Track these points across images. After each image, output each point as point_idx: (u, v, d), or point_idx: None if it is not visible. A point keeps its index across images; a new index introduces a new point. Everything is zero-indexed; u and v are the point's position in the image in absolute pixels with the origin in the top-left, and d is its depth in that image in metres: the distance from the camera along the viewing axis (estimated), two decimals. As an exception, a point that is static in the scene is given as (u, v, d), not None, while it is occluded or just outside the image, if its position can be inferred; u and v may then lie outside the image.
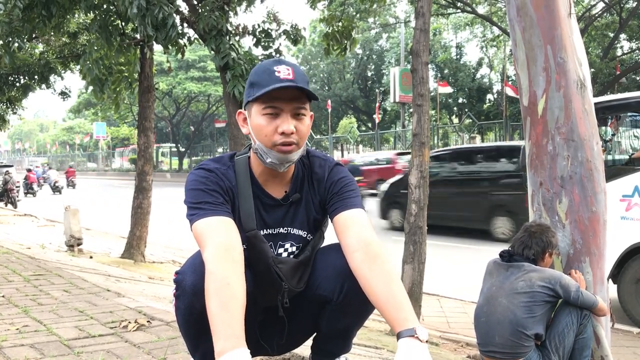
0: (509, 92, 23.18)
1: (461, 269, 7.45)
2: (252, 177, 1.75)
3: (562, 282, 2.60)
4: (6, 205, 18.51)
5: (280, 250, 1.80)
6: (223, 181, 1.69)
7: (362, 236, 1.62)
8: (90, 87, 8.26)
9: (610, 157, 6.06)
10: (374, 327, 4.60)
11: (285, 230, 1.79)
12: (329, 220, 1.81)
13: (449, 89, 30.09)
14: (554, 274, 2.64)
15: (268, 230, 1.77)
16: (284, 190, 1.78)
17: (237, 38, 6.83)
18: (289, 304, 1.81)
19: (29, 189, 24.49)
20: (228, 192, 1.69)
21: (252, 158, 1.76)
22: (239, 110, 1.76)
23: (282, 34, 7.36)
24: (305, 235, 1.81)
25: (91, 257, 7.50)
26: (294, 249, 1.81)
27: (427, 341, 1.39)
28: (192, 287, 1.60)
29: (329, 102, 34.68)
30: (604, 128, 5.93)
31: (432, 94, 25.08)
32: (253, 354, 1.95)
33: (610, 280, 4.94)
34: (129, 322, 2.95)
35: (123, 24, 7.72)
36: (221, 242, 1.52)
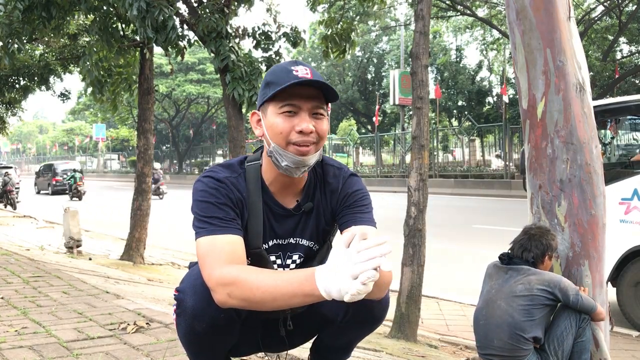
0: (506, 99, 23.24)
1: (460, 272, 7.44)
2: (264, 186, 1.68)
3: (561, 286, 2.60)
4: (5, 207, 18.48)
5: (289, 261, 1.76)
6: (233, 192, 1.61)
7: None
8: (90, 89, 8.28)
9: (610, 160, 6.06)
10: (373, 329, 4.60)
11: (294, 240, 1.74)
12: (338, 231, 1.75)
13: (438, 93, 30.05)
14: (553, 277, 2.64)
15: (278, 240, 1.72)
16: (296, 199, 1.71)
17: (236, 40, 6.84)
18: (292, 327, 1.78)
19: None
20: (238, 204, 1.62)
21: (264, 166, 1.69)
22: (253, 111, 1.67)
23: (282, 36, 7.37)
24: (311, 246, 1.76)
25: (90, 259, 7.50)
26: (301, 260, 1.77)
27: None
28: (192, 310, 1.57)
29: (329, 104, 34.62)
30: (603, 131, 5.94)
31: (431, 97, 25.09)
32: (251, 352, 1.95)
33: (609, 283, 4.94)
34: (128, 324, 2.95)
35: (123, 25, 7.73)
36: (228, 263, 1.49)
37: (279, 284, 1.36)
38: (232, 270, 1.45)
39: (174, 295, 1.65)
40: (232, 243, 1.53)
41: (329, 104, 1.69)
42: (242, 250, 1.55)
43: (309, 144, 1.56)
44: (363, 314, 1.68)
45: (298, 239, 1.74)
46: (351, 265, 1.21)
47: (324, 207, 1.74)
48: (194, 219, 1.60)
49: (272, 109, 1.58)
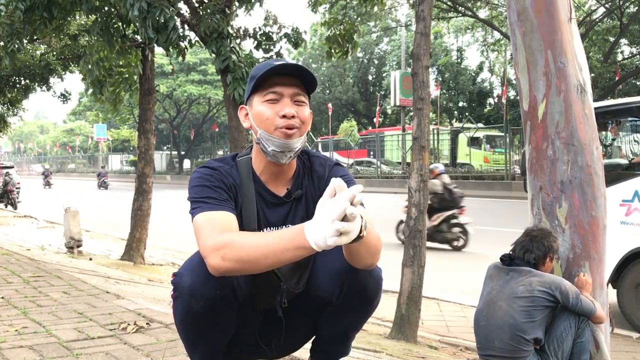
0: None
1: (461, 273, 7.44)
2: (254, 176, 1.77)
3: (562, 289, 2.59)
4: (6, 207, 18.48)
5: None
6: (227, 178, 1.72)
7: None
8: (90, 89, 8.27)
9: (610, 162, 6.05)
10: (373, 330, 4.60)
11: (286, 227, 1.78)
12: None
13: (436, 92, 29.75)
14: (554, 279, 2.63)
15: (271, 228, 1.78)
16: (286, 188, 1.80)
17: (237, 41, 6.83)
18: (287, 304, 1.81)
19: None
20: (232, 188, 1.71)
21: (254, 157, 1.79)
22: (241, 106, 1.79)
23: (283, 37, 7.37)
24: None
25: (91, 259, 7.50)
26: None
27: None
28: (189, 289, 1.60)
29: (330, 105, 34.70)
30: (604, 133, 5.94)
31: (432, 97, 25.05)
32: (251, 356, 1.95)
33: (609, 285, 4.94)
34: (128, 324, 2.95)
35: (124, 26, 7.73)
36: (221, 232, 1.54)
37: (270, 241, 1.43)
38: (225, 235, 1.52)
39: (171, 280, 1.69)
40: (227, 218, 1.61)
41: (310, 96, 1.78)
42: (235, 225, 1.61)
43: (293, 127, 1.66)
44: (357, 291, 1.73)
45: (289, 225, 1.79)
46: (328, 210, 1.30)
47: (312, 194, 1.82)
48: (190, 204, 1.67)
49: (257, 99, 1.70)
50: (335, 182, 1.34)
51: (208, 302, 1.61)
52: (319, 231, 1.32)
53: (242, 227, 1.68)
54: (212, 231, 1.54)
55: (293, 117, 1.66)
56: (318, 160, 1.86)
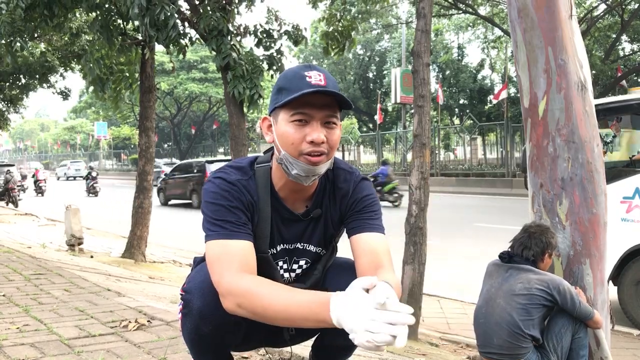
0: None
1: (462, 270, 7.44)
2: (273, 190, 1.65)
3: (560, 289, 2.59)
4: (7, 205, 18.51)
5: (295, 266, 1.76)
6: (245, 195, 1.59)
7: (376, 263, 1.56)
8: (91, 87, 8.28)
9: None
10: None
11: (301, 246, 1.73)
12: (345, 233, 1.74)
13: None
14: (554, 279, 2.63)
15: (285, 245, 1.71)
16: (305, 205, 1.69)
17: (238, 38, 6.83)
18: (294, 331, 1.78)
19: None
20: (249, 207, 1.60)
21: (274, 169, 1.65)
22: (264, 116, 1.63)
23: (283, 34, 7.36)
24: (319, 252, 1.76)
25: (92, 257, 7.51)
26: (308, 265, 1.77)
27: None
28: (198, 312, 1.56)
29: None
30: (604, 130, 5.93)
31: (433, 95, 24.99)
32: (252, 349, 1.96)
33: (610, 282, 4.94)
34: (129, 322, 2.95)
35: (124, 23, 7.73)
36: (239, 272, 1.47)
37: (292, 305, 1.34)
38: (243, 281, 1.42)
39: (180, 294, 1.64)
40: (244, 249, 1.50)
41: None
42: (252, 257, 1.52)
43: (320, 153, 1.52)
44: None
45: (305, 244, 1.73)
46: (369, 319, 1.17)
47: (332, 213, 1.72)
48: (204, 220, 1.56)
49: (284, 117, 1.53)
50: (385, 286, 1.22)
51: (217, 326, 1.57)
52: (350, 323, 1.22)
53: (256, 244, 1.59)
54: (229, 267, 1.45)
55: (322, 143, 1.51)
56: (343, 175, 1.71)
